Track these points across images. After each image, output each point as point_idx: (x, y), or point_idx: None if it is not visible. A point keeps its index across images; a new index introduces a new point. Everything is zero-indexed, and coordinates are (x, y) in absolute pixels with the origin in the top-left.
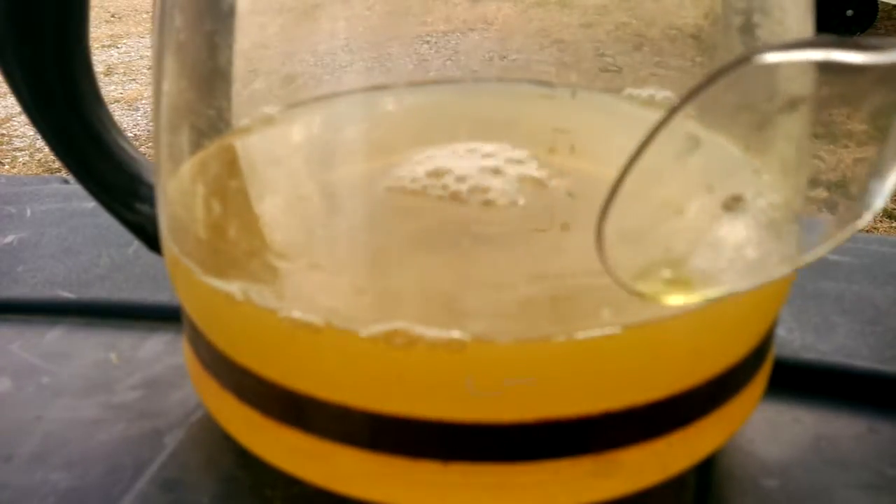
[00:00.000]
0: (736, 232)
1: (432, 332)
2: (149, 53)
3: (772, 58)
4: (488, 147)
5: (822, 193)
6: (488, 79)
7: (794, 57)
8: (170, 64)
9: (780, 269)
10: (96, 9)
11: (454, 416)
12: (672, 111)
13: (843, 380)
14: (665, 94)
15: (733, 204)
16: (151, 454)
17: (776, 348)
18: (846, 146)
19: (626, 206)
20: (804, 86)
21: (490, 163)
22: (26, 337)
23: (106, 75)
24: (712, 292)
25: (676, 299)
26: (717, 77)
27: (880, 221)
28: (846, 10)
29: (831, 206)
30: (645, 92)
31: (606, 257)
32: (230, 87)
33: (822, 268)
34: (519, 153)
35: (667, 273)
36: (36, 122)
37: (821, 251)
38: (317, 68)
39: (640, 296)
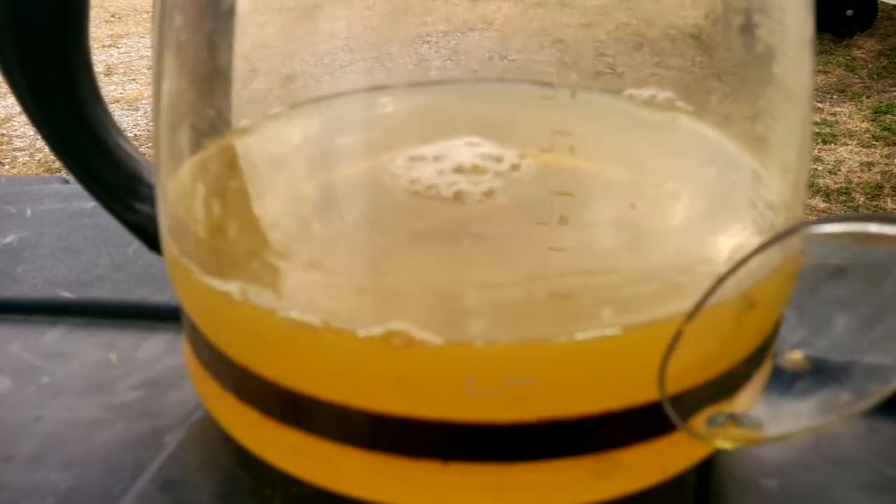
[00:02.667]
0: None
1: (430, 334)
2: (149, 53)
3: (817, 230)
4: (488, 147)
5: None
6: (488, 79)
7: (839, 229)
8: (170, 64)
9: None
10: (96, 9)
11: (454, 416)
12: (721, 278)
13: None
14: (666, 95)
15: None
16: (151, 454)
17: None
18: None
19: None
20: None
21: (490, 163)
22: (26, 337)
23: (106, 75)
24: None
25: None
26: (764, 247)
27: None
28: (846, 10)
29: None
30: (646, 92)
31: (667, 399)
32: (230, 87)
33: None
34: (519, 153)
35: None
36: (36, 122)
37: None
38: (317, 68)
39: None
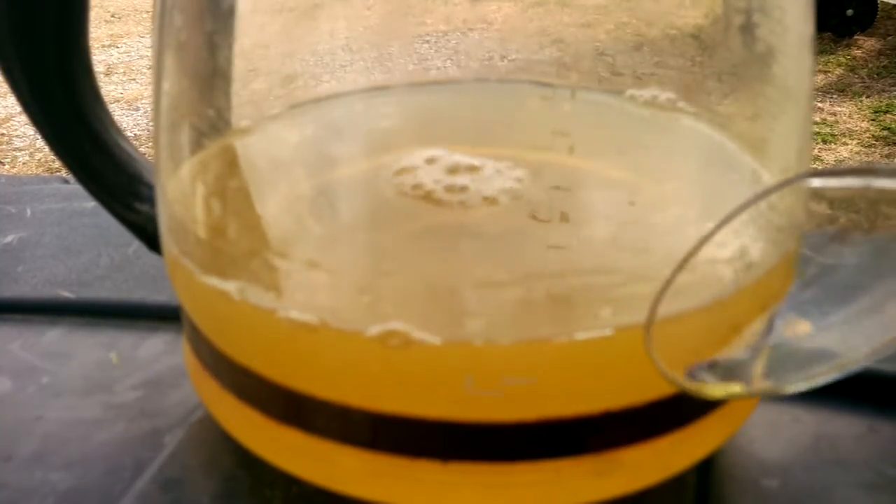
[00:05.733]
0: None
1: (428, 334)
2: (149, 53)
3: (816, 182)
4: (487, 147)
5: None
6: (488, 79)
7: (837, 183)
8: (170, 64)
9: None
10: (96, 9)
11: (454, 416)
12: (718, 225)
13: (843, 380)
14: (666, 95)
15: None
16: (151, 454)
17: None
18: None
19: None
20: None
21: (489, 163)
22: (26, 337)
23: (106, 75)
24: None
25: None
26: (762, 196)
27: (881, 222)
28: (846, 10)
29: None
30: (646, 92)
31: (654, 352)
32: (230, 87)
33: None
34: (518, 154)
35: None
36: (36, 122)
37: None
38: (317, 68)
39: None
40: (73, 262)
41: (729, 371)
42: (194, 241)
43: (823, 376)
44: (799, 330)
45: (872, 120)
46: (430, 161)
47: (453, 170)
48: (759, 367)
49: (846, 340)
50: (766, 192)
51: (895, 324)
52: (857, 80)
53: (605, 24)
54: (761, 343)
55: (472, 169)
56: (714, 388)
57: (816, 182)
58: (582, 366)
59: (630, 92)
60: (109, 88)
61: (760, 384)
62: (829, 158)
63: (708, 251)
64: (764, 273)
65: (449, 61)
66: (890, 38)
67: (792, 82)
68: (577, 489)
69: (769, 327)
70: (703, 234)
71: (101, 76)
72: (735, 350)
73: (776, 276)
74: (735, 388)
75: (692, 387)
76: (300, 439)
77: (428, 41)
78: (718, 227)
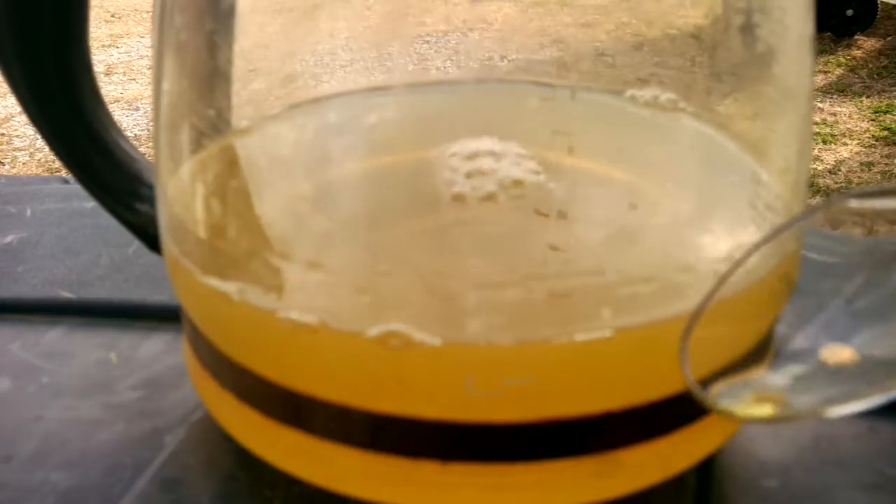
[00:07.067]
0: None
1: (428, 335)
2: (149, 53)
3: (855, 204)
4: (488, 147)
5: None
6: (488, 79)
7: (875, 204)
8: (170, 64)
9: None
10: (96, 9)
11: (453, 417)
12: (749, 251)
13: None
14: (666, 95)
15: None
16: (151, 454)
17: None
18: None
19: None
20: None
21: (489, 163)
22: (26, 337)
23: (106, 75)
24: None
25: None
26: (795, 222)
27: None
28: (846, 10)
29: None
30: (646, 92)
31: (688, 371)
32: (230, 87)
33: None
34: (519, 153)
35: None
36: (36, 122)
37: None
38: (317, 68)
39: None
40: (73, 262)
41: (765, 392)
42: (194, 242)
43: (867, 400)
44: (843, 357)
45: (872, 120)
46: (429, 161)
47: (452, 170)
48: (793, 390)
49: (888, 363)
50: (809, 213)
51: None
52: (857, 80)
53: (605, 24)
54: (795, 365)
55: (472, 170)
56: (742, 409)
57: (854, 203)
58: (582, 366)
59: (630, 92)
60: (109, 88)
61: (798, 406)
62: (829, 158)
63: (708, 252)
64: (766, 273)
65: (449, 61)
66: (890, 38)
67: (792, 82)
68: (578, 490)
69: (803, 348)
70: (738, 258)
71: (101, 76)
72: (764, 371)
73: (777, 277)
74: (765, 409)
75: (723, 409)
76: (300, 439)
77: (428, 41)
78: (752, 250)
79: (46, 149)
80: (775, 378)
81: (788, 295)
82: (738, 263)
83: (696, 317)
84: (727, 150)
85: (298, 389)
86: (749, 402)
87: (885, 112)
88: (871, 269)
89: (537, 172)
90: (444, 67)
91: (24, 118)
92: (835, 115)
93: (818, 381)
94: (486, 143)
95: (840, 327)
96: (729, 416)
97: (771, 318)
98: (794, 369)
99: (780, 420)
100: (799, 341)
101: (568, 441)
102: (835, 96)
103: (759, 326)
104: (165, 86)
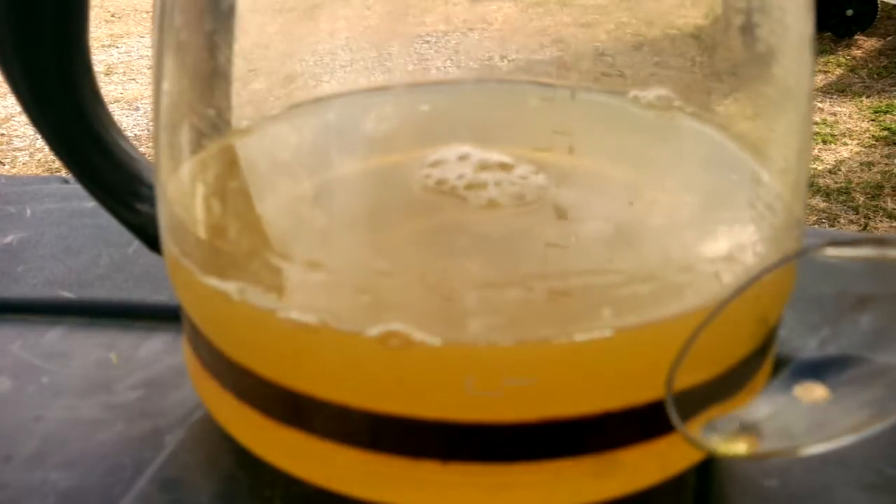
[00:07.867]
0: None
1: (428, 335)
2: (149, 53)
3: (830, 252)
4: (487, 148)
5: None
6: (488, 79)
7: (849, 253)
8: (170, 64)
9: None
10: (96, 9)
11: (454, 416)
12: (734, 294)
13: None
14: (666, 95)
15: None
16: (151, 454)
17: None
18: None
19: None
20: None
21: (489, 163)
22: (26, 337)
23: (106, 75)
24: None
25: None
26: (773, 267)
27: (881, 221)
28: (846, 10)
29: None
30: (646, 92)
31: (673, 411)
32: (230, 87)
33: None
34: (518, 154)
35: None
36: (36, 122)
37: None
38: (317, 68)
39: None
40: (73, 262)
41: (742, 428)
42: (194, 242)
43: (840, 439)
44: (816, 395)
45: (872, 120)
46: (430, 162)
47: (452, 170)
48: (769, 426)
49: (860, 401)
50: (783, 261)
51: None
52: (857, 80)
53: (605, 24)
54: (771, 402)
55: (472, 170)
56: (721, 445)
57: (832, 251)
58: (582, 366)
59: (631, 92)
60: (109, 88)
61: (772, 445)
62: (829, 158)
63: (708, 252)
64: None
65: (449, 61)
66: (890, 38)
67: (792, 82)
68: (577, 490)
69: (780, 381)
70: (721, 300)
71: (101, 76)
72: (747, 407)
73: (776, 280)
74: (741, 446)
75: (703, 443)
76: (300, 439)
77: (428, 41)
78: (735, 294)
79: (46, 149)
80: (750, 414)
81: (788, 299)
82: (714, 314)
83: (677, 364)
84: (727, 150)
85: (298, 389)
86: (727, 438)
87: (885, 112)
88: (841, 314)
89: (537, 173)
90: (444, 67)
91: (24, 118)
92: (835, 115)
93: (792, 419)
94: (485, 144)
95: (814, 366)
96: (711, 453)
97: (771, 322)
98: (769, 406)
99: (755, 458)
100: (774, 379)
101: (568, 441)
102: (835, 96)
103: (759, 330)
104: (165, 86)
